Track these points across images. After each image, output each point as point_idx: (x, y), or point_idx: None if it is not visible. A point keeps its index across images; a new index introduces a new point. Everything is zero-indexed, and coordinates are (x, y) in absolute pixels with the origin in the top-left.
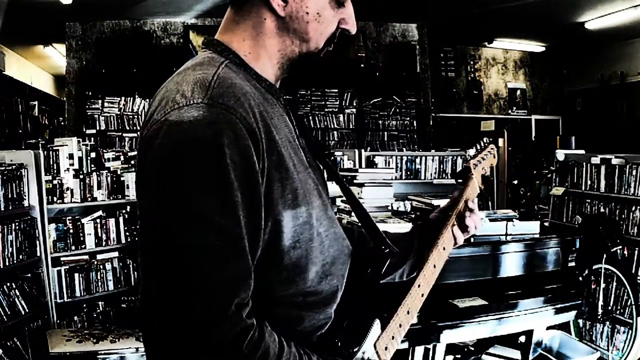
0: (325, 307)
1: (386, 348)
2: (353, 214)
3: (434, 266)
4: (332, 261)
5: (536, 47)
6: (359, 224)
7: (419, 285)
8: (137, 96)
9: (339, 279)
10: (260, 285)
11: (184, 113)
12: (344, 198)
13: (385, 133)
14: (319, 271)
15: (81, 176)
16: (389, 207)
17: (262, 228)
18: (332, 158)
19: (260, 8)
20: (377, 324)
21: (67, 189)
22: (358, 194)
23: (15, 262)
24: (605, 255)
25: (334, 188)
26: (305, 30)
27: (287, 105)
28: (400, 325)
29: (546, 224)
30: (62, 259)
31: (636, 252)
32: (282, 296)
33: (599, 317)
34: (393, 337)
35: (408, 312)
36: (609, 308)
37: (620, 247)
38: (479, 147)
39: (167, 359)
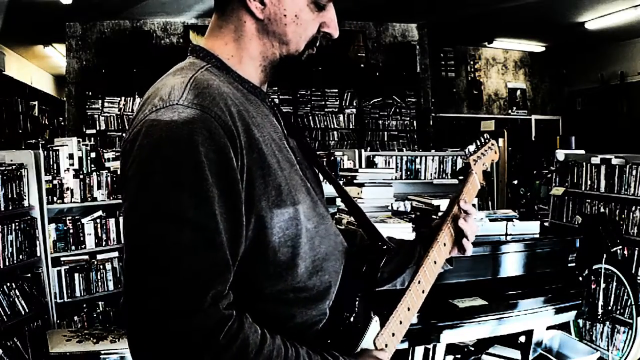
0: (317, 303)
1: (386, 345)
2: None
3: (435, 262)
4: (323, 257)
5: (536, 47)
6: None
7: (419, 282)
8: (137, 96)
9: (331, 275)
10: (249, 282)
11: (161, 115)
12: None
13: (385, 133)
14: (309, 267)
15: (81, 176)
16: (389, 207)
17: (244, 224)
18: (332, 158)
19: (240, 12)
20: (375, 320)
21: (67, 189)
22: (358, 194)
23: (15, 262)
24: (605, 255)
25: (330, 188)
26: (284, 32)
27: (275, 106)
28: (400, 322)
29: (546, 224)
30: (62, 259)
31: (636, 252)
32: (271, 292)
33: (599, 317)
34: (393, 334)
35: (408, 309)
36: (609, 308)
37: (620, 247)
38: (479, 143)
39: (146, 353)
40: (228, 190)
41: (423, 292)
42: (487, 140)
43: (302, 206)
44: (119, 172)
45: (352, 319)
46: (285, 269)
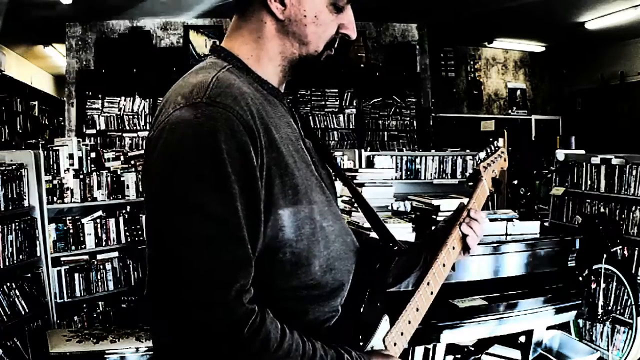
0: (330, 300)
1: (395, 344)
2: (354, 214)
3: (443, 265)
4: (336, 255)
5: (536, 47)
6: (359, 223)
7: (428, 283)
8: (137, 96)
9: (343, 273)
10: (263, 278)
11: (184, 112)
12: (344, 198)
13: (385, 133)
14: (323, 265)
15: (81, 176)
16: (389, 207)
17: (262, 220)
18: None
19: (261, 12)
20: (385, 319)
21: (67, 189)
22: None
23: (15, 262)
24: (605, 255)
25: (338, 188)
26: (304, 32)
27: (293, 108)
28: (409, 322)
29: (546, 224)
30: (62, 259)
31: (636, 252)
32: (285, 289)
33: (599, 317)
34: (402, 334)
35: (417, 310)
36: (609, 308)
37: (620, 247)
38: (489, 150)
39: (171, 345)
40: (248, 188)
41: (432, 293)
42: (497, 148)
43: (317, 205)
44: (119, 171)
45: (363, 317)
46: (299, 266)
